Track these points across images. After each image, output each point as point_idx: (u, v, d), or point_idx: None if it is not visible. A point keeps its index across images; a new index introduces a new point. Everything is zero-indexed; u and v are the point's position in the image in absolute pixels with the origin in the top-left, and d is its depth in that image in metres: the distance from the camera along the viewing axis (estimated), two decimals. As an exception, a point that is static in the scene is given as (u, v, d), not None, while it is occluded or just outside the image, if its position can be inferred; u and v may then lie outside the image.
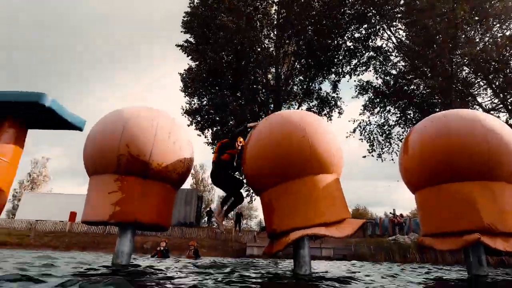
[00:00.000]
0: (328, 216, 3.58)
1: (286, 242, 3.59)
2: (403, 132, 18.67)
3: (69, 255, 7.46)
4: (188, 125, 18.42)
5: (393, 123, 19.01)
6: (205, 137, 18.98)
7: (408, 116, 18.59)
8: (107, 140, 3.82)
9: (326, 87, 65.82)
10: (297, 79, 19.94)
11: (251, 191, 19.74)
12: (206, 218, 23.23)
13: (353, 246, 15.66)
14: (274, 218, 3.71)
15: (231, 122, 18.63)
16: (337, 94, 19.80)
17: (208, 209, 23.38)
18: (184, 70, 18.70)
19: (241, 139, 4.52)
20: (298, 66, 19.43)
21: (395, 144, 18.79)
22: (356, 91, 19.16)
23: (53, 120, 6.10)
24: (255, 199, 19.29)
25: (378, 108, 19.24)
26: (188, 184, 35.22)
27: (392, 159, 18.28)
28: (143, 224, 3.90)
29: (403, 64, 18.76)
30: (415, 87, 18.48)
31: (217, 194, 39.52)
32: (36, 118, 6.01)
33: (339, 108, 19.93)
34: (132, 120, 3.88)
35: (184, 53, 18.28)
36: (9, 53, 55.99)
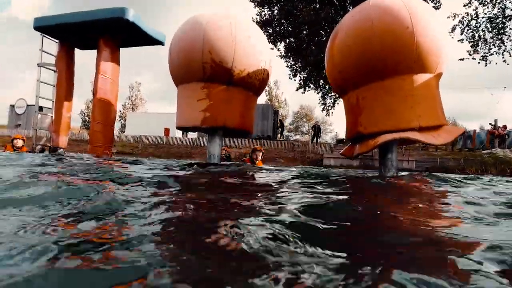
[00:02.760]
0: (425, 120, 3.22)
1: (373, 144, 3.44)
2: (523, 24, 14.84)
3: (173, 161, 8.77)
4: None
5: (512, 13, 15.08)
6: (278, 49, 18.21)
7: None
8: (190, 49, 3.90)
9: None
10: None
11: (327, 104, 19.18)
12: (278, 130, 23.92)
13: (438, 158, 14.62)
14: (361, 119, 3.50)
15: (304, 32, 17.21)
16: (434, -19, 16.06)
17: (279, 122, 23.77)
18: (252, -26, 17.18)
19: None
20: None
21: (509, 40, 15.24)
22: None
23: (136, 36, 6.50)
24: (332, 112, 18.78)
25: (493, -5, 15.23)
26: (263, 99, 36.09)
27: (505, 61, 15.12)
28: (230, 129, 4.17)
29: None
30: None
31: (291, 110, 39.88)
32: (122, 37, 6.47)
33: (435, 1, 16.39)
34: (211, 27, 3.82)
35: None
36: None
